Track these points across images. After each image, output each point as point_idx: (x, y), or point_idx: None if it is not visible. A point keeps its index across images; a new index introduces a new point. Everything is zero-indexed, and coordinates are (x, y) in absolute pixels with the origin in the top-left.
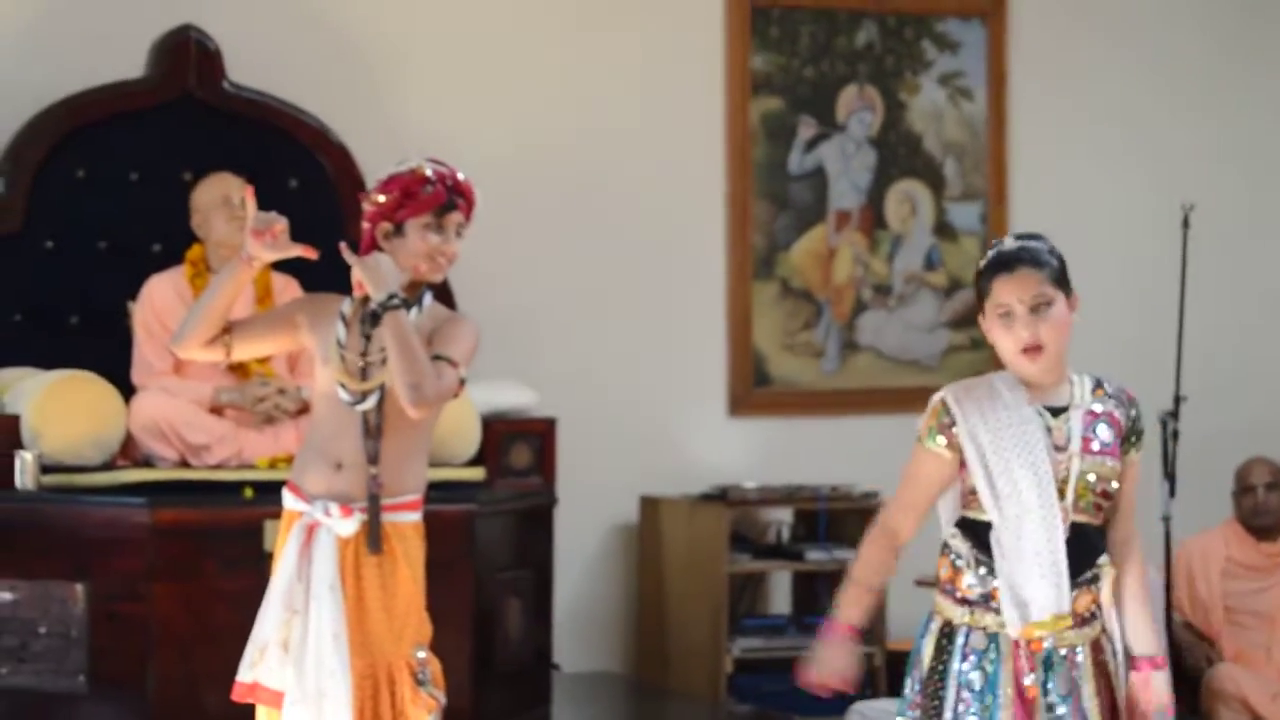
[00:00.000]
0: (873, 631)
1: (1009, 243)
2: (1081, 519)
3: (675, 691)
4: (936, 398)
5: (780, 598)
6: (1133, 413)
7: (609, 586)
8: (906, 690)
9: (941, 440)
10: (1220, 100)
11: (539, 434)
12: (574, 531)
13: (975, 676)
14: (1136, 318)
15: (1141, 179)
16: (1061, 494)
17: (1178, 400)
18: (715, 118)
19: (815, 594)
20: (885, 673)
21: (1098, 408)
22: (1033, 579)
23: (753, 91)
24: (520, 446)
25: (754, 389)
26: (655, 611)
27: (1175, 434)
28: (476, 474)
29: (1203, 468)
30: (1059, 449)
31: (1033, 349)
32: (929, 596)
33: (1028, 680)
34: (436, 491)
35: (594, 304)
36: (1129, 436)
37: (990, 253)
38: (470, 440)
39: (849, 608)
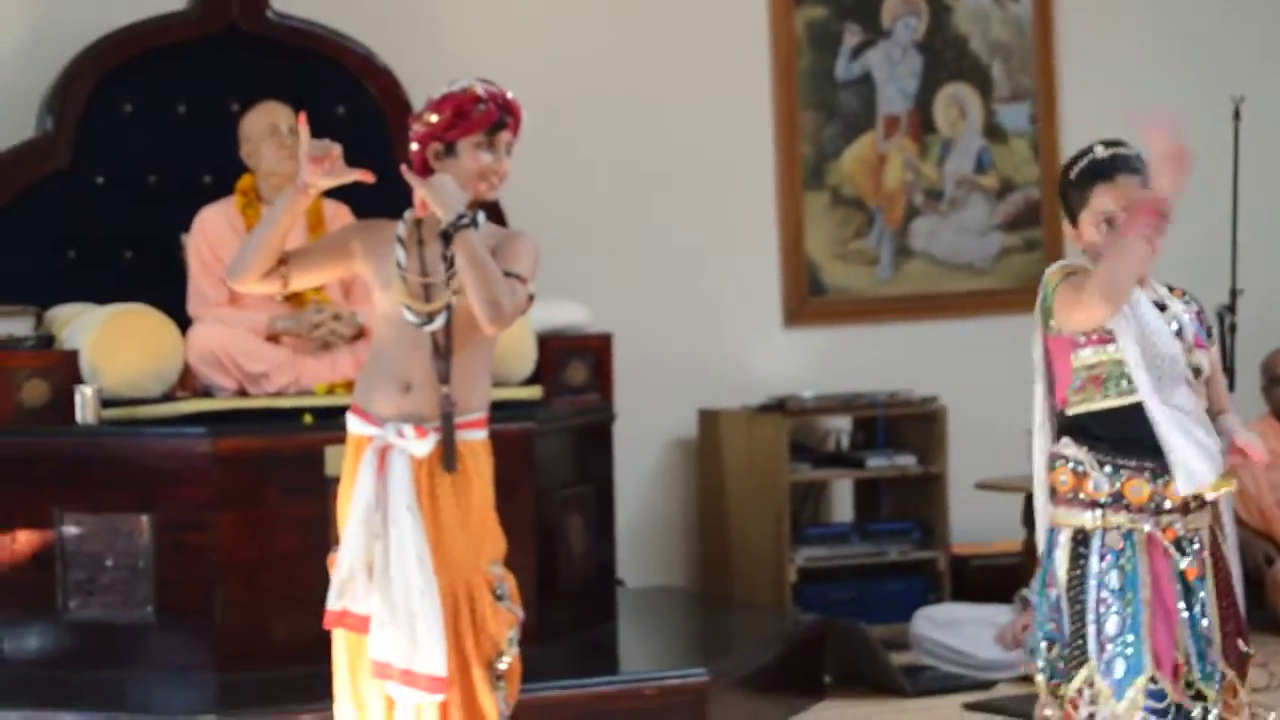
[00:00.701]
0: (935, 535)
1: (1101, 151)
2: None
3: (740, 603)
4: (1057, 266)
5: (842, 506)
6: (1202, 310)
7: (670, 500)
8: (1040, 610)
9: None
10: None
11: (594, 350)
12: (633, 447)
13: (1114, 576)
14: (1190, 212)
15: (1190, 72)
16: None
17: (1234, 294)
18: (760, 28)
19: (877, 500)
20: (949, 577)
21: (1188, 306)
22: (1200, 435)
23: (796, 1)
24: (576, 363)
25: (808, 298)
26: (717, 524)
27: (1233, 327)
28: (534, 392)
29: (1261, 362)
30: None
31: None
32: (990, 500)
33: (1184, 563)
34: (494, 411)
35: (645, 220)
36: (1209, 330)
37: (1082, 162)
38: (527, 359)
39: None
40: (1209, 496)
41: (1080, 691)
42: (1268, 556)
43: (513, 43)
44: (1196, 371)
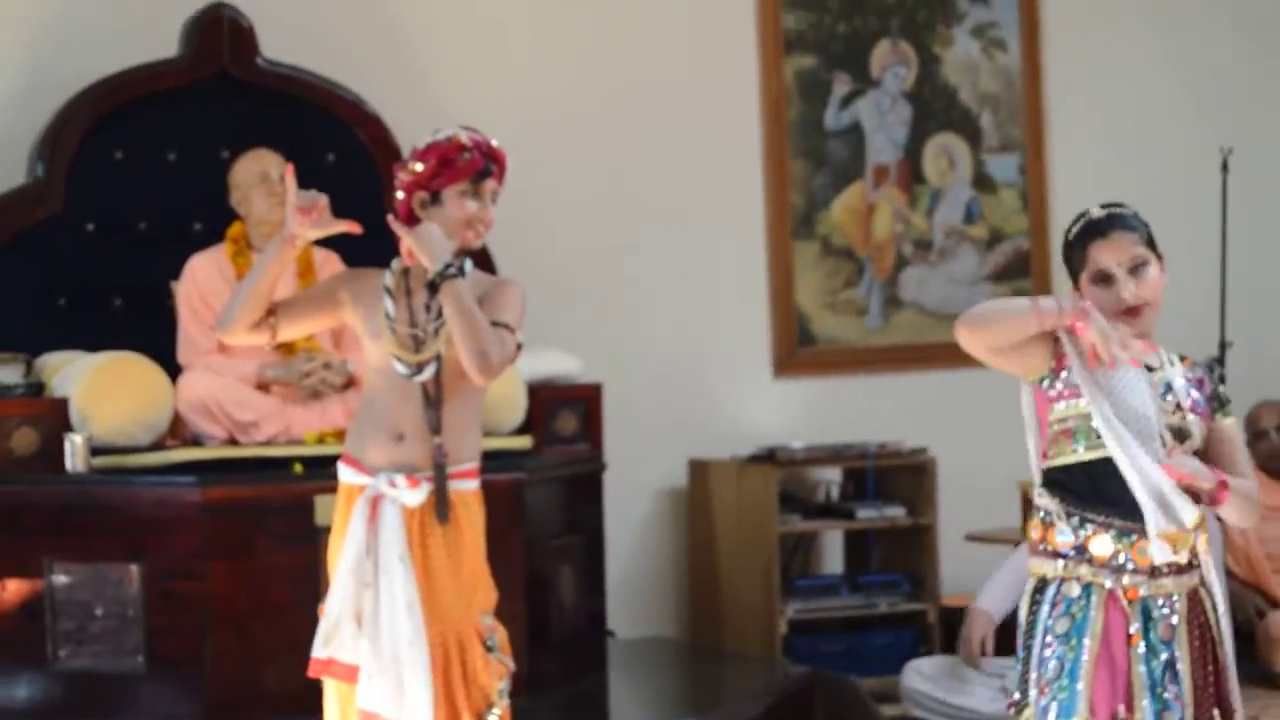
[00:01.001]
0: (924, 586)
1: (1097, 210)
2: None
3: (730, 654)
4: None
5: (832, 557)
6: (1215, 376)
7: (660, 551)
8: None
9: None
10: (1259, 43)
11: (585, 400)
12: (623, 497)
13: (1062, 622)
14: (1179, 264)
15: (1179, 123)
16: (1163, 440)
17: (1223, 346)
18: (749, 77)
19: (867, 552)
20: (939, 629)
21: (1189, 374)
22: (1165, 488)
23: (786, 49)
24: (566, 413)
25: (798, 349)
26: (707, 575)
27: (1222, 379)
28: (524, 442)
29: (1245, 415)
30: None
31: (1133, 310)
32: (980, 551)
33: (1132, 628)
34: (485, 460)
35: (634, 269)
36: (1215, 399)
37: (1080, 222)
38: (517, 408)
39: None
40: (1178, 558)
41: None
42: (1258, 609)
43: (502, 90)
44: (1178, 435)
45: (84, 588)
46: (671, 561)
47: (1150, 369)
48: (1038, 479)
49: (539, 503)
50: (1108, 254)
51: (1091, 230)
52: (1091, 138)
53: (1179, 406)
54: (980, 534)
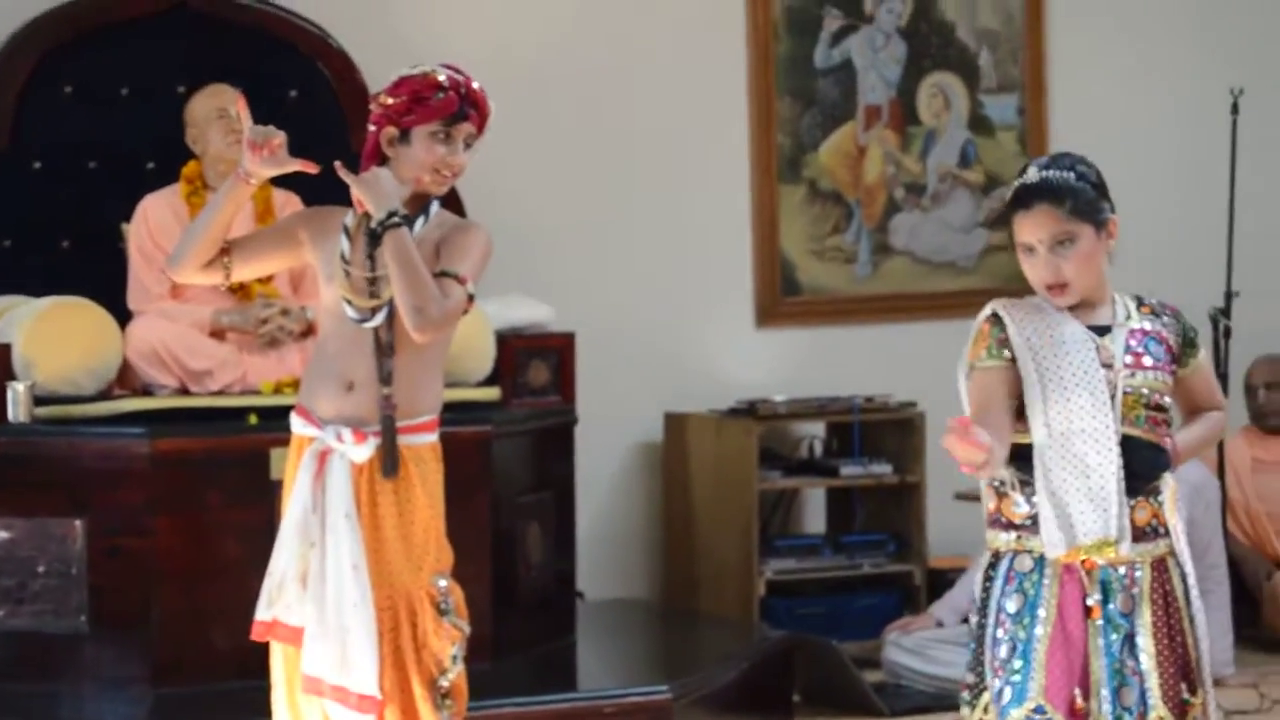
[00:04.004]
0: (911, 547)
1: (1032, 173)
2: (1134, 432)
3: (705, 617)
4: (985, 314)
5: (814, 516)
6: (1180, 324)
7: (634, 508)
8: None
9: (1006, 354)
10: None
11: (556, 350)
12: (596, 451)
13: (1013, 600)
14: (1185, 210)
15: (1187, 63)
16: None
17: (1229, 296)
18: (735, 11)
19: (851, 510)
20: (925, 592)
21: (1146, 325)
22: (1079, 500)
23: None
24: (537, 364)
25: (782, 298)
26: (683, 534)
27: (1227, 331)
28: (492, 394)
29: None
30: (1106, 367)
31: (1055, 287)
32: (969, 511)
33: (1090, 600)
34: (450, 413)
35: (612, 212)
36: (1184, 349)
37: (1015, 182)
38: (484, 358)
39: None
40: (1125, 552)
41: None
42: (1267, 573)
43: (474, 25)
44: (1153, 398)
45: (25, 544)
46: (645, 520)
47: (1100, 332)
48: None
49: (507, 457)
50: (1028, 229)
51: (1015, 200)
52: (1095, 78)
53: (1129, 365)
54: (970, 493)
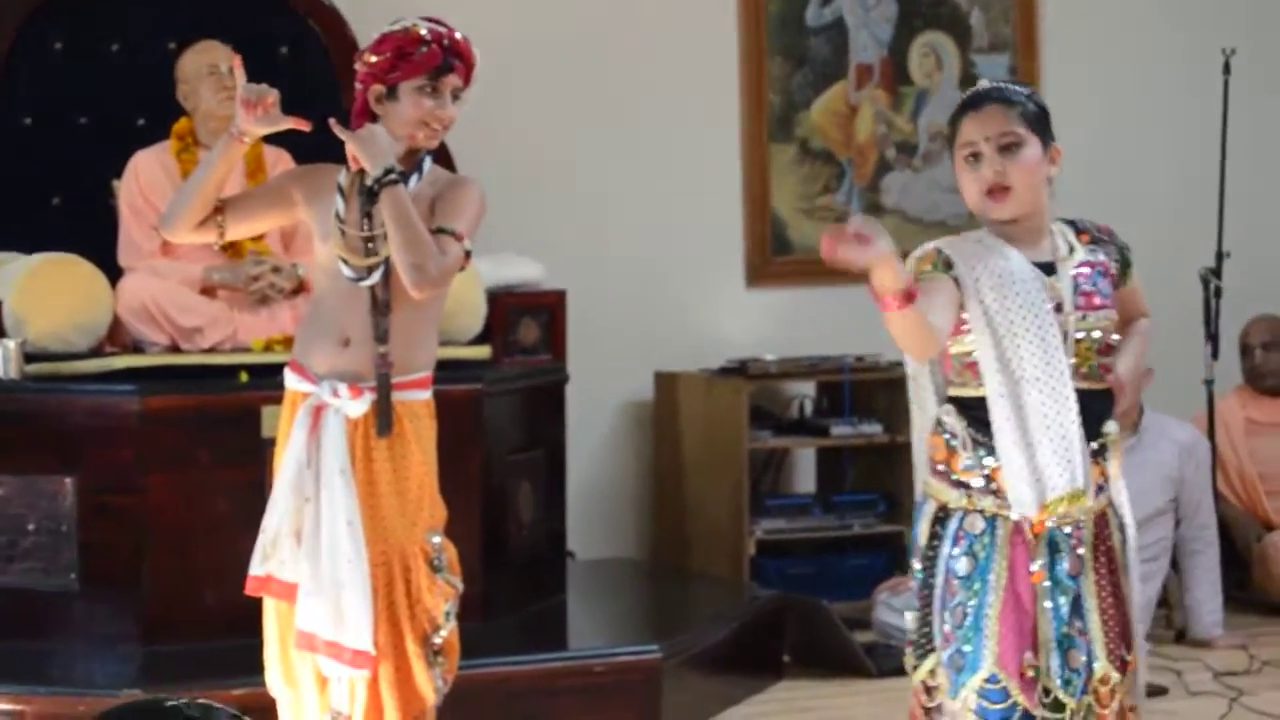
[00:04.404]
0: (901, 507)
1: (983, 84)
2: (1084, 385)
3: (696, 576)
4: (926, 247)
5: (804, 475)
6: (1116, 245)
7: (624, 467)
8: (913, 580)
9: (951, 275)
10: None
11: (548, 308)
12: (586, 410)
13: (963, 562)
14: (1176, 171)
15: (1179, 21)
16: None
17: (1220, 257)
18: None
19: (841, 470)
20: None
21: (1089, 258)
22: (1045, 453)
23: None
24: (528, 322)
25: (773, 257)
26: (673, 493)
27: (1218, 292)
28: (482, 352)
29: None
30: (1056, 309)
31: (998, 189)
32: None
33: (1035, 565)
34: (441, 371)
35: (601, 171)
36: (1122, 271)
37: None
38: (475, 316)
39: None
40: (1090, 504)
41: (924, 682)
42: (1257, 534)
43: None
44: (1103, 342)
45: (15, 501)
46: (635, 479)
47: (1048, 269)
48: (940, 392)
49: (498, 416)
50: (975, 127)
51: (965, 103)
52: (1086, 38)
53: (1080, 308)
54: None
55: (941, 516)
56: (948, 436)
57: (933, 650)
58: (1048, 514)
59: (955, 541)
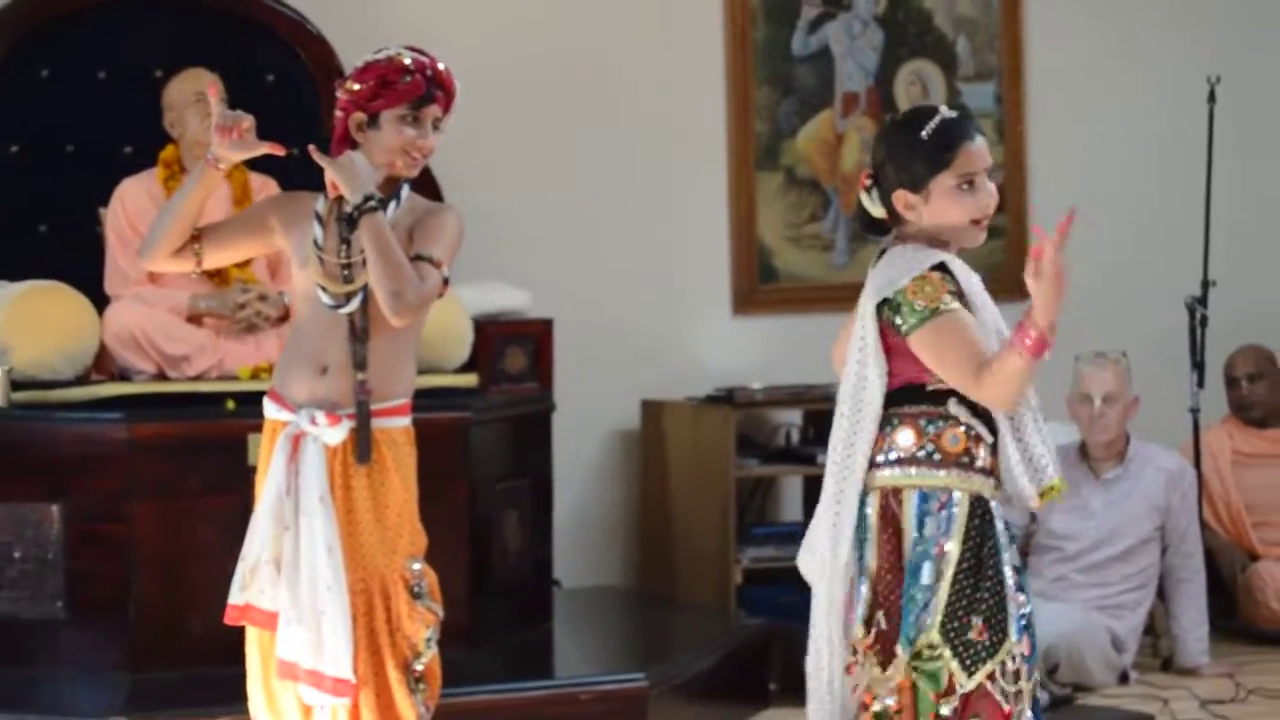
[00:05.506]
0: None
1: (948, 111)
2: None
3: (682, 605)
4: (930, 271)
5: (791, 504)
6: None
7: (611, 496)
8: (924, 576)
9: (962, 301)
10: None
11: (534, 337)
12: (573, 439)
13: (1015, 551)
14: (1162, 199)
15: (1164, 50)
16: None
17: (1206, 285)
18: None
19: None
20: None
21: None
22: (1038, 444)
23: None
24: (515, 350)
25: (759, 285)
26: (660, 521)
27: (1204, 320)
28: (469, 380)
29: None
30: None
31: (984, 220)
32: None
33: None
34: (427, 399)
35: (589, 199)
36: None
37: (935, 120)
38: (461, 345)
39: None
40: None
41: (995, 675)
42: (1243, 564)
43: (454, 9)
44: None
45: (1, 529)
46: (622, 507)
47: None
48: (873, 401)
49: (484, 444)
50: (979, 157)
51: (962, 131)
52: (1072, 65)
53: None
54: None
55: (980, 509)
56: (964, 428)
57: (1005, 639)
58: (1043, 501)
59: (1000, 533)
